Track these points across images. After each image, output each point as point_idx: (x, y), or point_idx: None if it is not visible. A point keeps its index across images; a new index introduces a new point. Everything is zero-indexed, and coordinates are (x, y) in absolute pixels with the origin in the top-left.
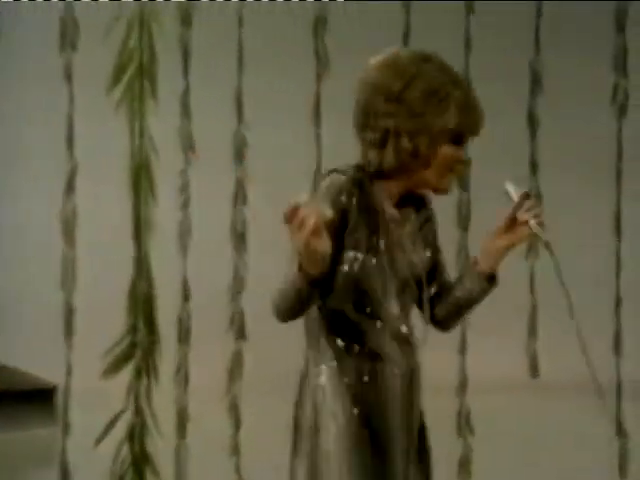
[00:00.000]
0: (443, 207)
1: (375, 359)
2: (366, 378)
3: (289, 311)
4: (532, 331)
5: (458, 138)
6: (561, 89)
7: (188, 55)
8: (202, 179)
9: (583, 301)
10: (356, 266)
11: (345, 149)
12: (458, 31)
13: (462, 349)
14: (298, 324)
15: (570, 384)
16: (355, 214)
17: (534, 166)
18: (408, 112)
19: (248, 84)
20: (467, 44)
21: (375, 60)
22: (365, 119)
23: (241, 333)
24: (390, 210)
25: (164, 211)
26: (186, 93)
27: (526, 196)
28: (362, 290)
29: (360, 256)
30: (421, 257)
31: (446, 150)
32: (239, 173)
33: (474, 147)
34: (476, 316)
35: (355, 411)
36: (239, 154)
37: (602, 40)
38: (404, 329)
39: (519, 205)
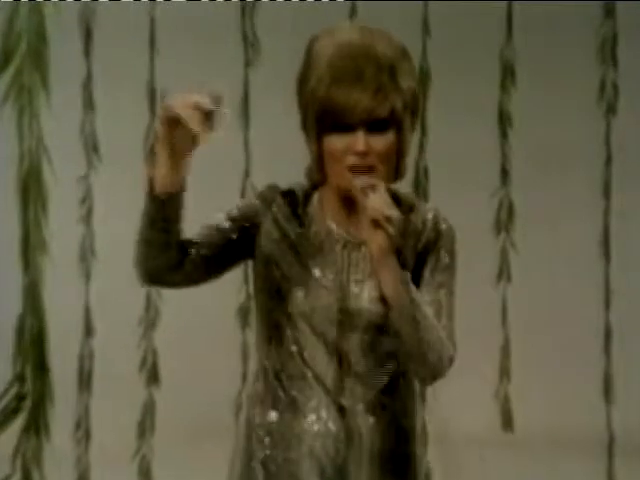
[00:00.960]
0: None
1: (297, 412)
2: (286, 430)
3: (146, 258)
4: (504, 373)
5: (339, 122)
6: (537, 82)
7: (90, 38)
8: (108, 187)
9: (569, 335)
10: (272, 301)
11: (279, 153)
12: (414, 14)
13: (420, 394)
14: (224, 363)
15: (551, 437)
16: (270, 233)
17: (505, 174)
18: (298, 99)
19: (162, 73)
20: (425, 29)
21: None
22: None
23: (154, 377)
24: (336, 227)
25: (61, 227)
26: (88, 84)
27: (371, 190)
28: (281, 329)
29: (281, 288)
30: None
31: (330, 141)
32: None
33: (431, 152)
34: None
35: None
36: (152, 156)
37: (587, 25)
38: (340, 385)
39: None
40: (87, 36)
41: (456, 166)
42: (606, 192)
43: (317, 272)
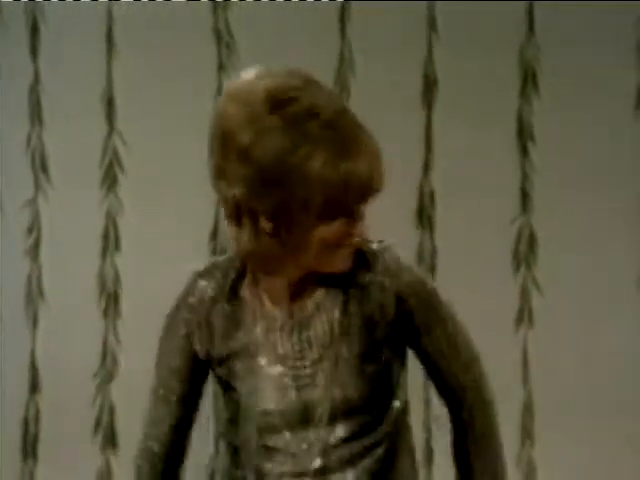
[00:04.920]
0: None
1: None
2: None
3: None
4: (527, 436)
5: (344, 210)
6: (564, 88)
7: (37, 36)
8: (59, 213)
9: (604, 390)
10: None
11: None
12: (418, 7)
13: (428, 461)
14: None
15: None
16: (207, 332)
17: (525, 198)
18: (260, 178)
19: (121, 77)
20: (432, 26)
21: (238, 83)
22: (215, 179)
23: (110, 440)
24: (279, 312)
25: (4, 261)
26: (35, 88)
27: None
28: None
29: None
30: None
31: (327, 230)
32: (110, 204)
33: (438, 172)
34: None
35: None
36: (110, 176)
37: (623, 19)
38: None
39: None
40: (33, 33)
41: (467, 189)
42: None
43: (265, 366)
